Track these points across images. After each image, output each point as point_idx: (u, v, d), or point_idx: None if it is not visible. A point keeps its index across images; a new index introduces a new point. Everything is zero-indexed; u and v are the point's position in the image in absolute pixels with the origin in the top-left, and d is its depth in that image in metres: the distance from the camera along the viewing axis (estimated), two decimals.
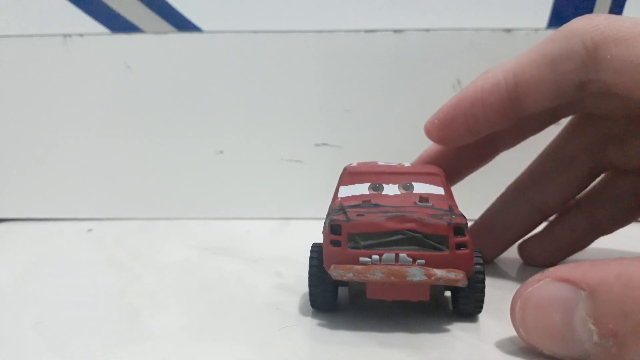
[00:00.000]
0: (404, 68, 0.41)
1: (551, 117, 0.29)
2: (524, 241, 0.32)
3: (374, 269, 0.21)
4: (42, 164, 0.44)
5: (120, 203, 0.44)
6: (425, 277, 0.21)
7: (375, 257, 0.21)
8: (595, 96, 0.25)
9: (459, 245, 0.21)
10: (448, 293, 0.25)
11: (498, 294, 0.25)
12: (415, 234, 0.21)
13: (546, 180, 0.30)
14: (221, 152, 0.43)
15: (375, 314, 0.24)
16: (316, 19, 0.41)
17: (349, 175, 0.26)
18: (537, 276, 0.20)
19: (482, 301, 0.23)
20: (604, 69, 0.22)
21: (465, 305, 0.23)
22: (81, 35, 0.42)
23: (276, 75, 0.42)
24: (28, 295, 0.28)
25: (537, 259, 0.31)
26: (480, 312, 0.24)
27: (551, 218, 0.32)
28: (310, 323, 0.23)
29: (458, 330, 0.23)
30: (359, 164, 0.27)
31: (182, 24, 0.42)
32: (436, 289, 0.23)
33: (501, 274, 0.31)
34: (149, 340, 0.22)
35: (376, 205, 0.23)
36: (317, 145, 0.43)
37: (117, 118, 0.43)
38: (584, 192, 0.31)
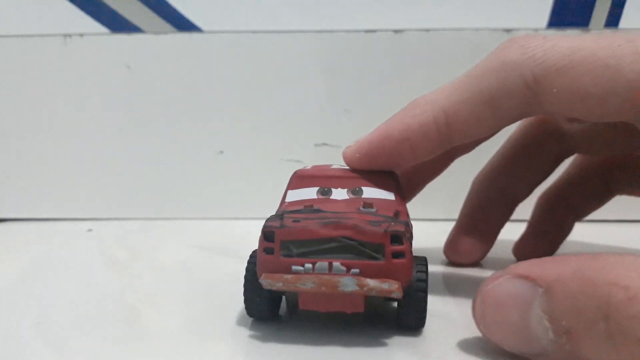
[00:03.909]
0: (404, 68, 0.41)
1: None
2: (518, 242, 0.32)
3: (304, 278, 0.20)
4: (42, 164, 0.44)
5: (120, 203, 0.44)
6: (357, 288, 0.19)
7: (308, 265, 0.20)
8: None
9: (396, 254, 0.20)
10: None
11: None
12: (351, 242, 0.20)
13: (514, 166, 0.30)
14: (221, 152, 0.43)
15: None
16: (316, 19, 0.41)
17: (298, 179, 0.25)
18: (498, 273, 0.20)
19: (424, 313, 0.22)
20: (549, 102, 0.21)
21: (406, 318, 0.22)
22: (81, 35, 0.42)
23: (276, 75, 0.42)
24: (28, 295, 0.28)
25: (532, 257, 0.31)
26: (423, 325, 0.22)
27: (537, 213, 0.32)
28: (317, 326, 0.23)
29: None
30: (312, 167, 0.26)
31: (182, 24, 0.42)
32: (376, 300, 0.21)
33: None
34: (149, 340, 0.22)
35: (317, 210, 0.22)
36: (317, 145, 0.43)
37: (117, 118, 0.43)
38: (563, 179, 0.32)
